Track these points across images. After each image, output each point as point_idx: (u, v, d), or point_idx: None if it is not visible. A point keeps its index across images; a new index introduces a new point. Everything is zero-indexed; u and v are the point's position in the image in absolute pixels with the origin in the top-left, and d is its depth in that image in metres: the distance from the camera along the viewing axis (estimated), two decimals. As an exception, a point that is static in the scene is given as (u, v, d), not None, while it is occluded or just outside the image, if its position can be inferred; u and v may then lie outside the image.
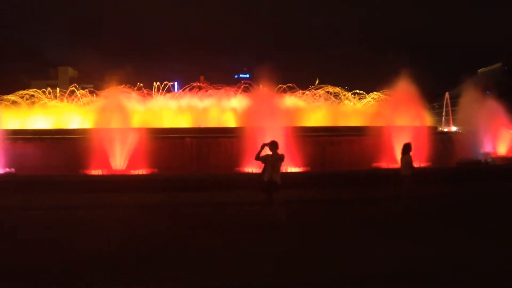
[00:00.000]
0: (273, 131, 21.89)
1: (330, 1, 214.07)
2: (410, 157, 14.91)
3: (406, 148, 15.03)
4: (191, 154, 24.77)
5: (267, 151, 12.20)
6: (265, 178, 11.87)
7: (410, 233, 11.15)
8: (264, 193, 11.85)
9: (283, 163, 12.29)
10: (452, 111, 69.42)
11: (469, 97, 29.66)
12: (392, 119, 25.73)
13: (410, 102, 26.46)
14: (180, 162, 24.02)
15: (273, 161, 11.98)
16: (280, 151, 12.14)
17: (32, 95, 38.79)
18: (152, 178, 20.86)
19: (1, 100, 34.91)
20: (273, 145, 12.22)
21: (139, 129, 24.14)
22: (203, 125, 30.84)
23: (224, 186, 18.47)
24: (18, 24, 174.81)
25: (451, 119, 69.88)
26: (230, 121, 32.20)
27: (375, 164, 24.23)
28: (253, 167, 21.81)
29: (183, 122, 32.68)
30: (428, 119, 31.07)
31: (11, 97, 36.71)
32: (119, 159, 23.00)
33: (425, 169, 23.15)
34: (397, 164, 24.31)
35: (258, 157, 12.13)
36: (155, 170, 22.64)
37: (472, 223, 12.53)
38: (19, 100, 37.13)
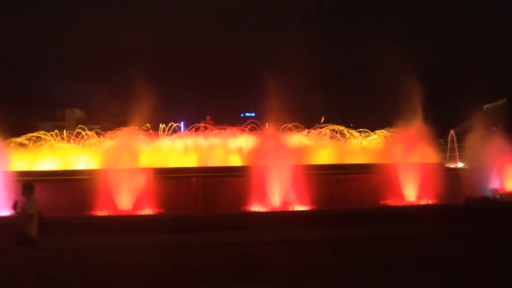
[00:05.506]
0: (279, 170, 21.86)
1: (337, 42, 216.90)
2: None
3: None
4: (197, 194, 24.64)
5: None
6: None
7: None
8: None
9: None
10: (458, 147, 69.19)
11: (476, 133, 29.57)
12: (399, 156, 25.60)
13: (416, 139, 26.39)
14: (187, 202, 23.88)
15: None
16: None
17: (39, 137, 39.06)
18: (158, 219, 20.58)
19: (9, 142, 35.12)
20: (25, 188, 10.51)
21: (145, 169, 24.05)
22: (209, 164, 30.81)
23: (231, 226, 18.18)
24: (24, 67, 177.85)
25: (457, 155, 69.58)
26: (236, 161, 32.17)
27: (382, 202, 23.97)
28: (260, 206, 21.67)
29: (189, 162, 32.67)
30: (435, 156, 30.88)
31: (18, 139, 37.02)
32: (125, 199, 22.84)
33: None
34: (405, 202, 24.33)
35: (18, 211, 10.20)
36: (162, 210, 22.48)
37: None
38: (26, 142, 37.42)
